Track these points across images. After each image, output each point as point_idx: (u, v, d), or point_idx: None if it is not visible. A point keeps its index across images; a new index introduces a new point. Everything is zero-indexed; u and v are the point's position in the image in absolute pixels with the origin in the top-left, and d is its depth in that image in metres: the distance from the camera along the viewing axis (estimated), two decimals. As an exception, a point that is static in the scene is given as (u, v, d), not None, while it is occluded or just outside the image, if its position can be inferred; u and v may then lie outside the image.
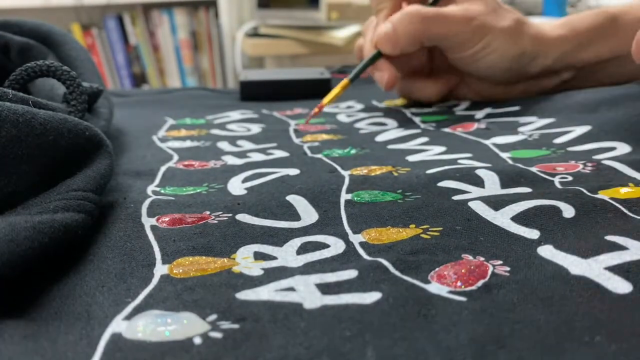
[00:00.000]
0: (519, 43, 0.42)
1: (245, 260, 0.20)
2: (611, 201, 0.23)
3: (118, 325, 0.16)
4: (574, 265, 0.18)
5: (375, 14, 0.45)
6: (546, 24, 0.44)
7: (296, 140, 0.37)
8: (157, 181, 0.29)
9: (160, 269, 0.19)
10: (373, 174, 0.29)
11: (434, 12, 0.40)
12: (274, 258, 0.20)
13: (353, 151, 0.33)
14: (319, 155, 0.33)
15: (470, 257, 0.19)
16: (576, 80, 0.46)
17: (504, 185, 0.26)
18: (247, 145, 0.36)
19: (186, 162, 0.32)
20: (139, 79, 1.72)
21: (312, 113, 0.40)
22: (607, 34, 0.43)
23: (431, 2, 0.43)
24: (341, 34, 1.06)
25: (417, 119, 0.41)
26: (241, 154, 0.34)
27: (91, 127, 0.24)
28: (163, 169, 0.31)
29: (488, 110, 0.42)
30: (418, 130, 0.38)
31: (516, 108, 0.41)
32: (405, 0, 0.44)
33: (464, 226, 0.22)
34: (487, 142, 0.34)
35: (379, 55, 0.42)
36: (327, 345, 0.15)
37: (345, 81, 0.41)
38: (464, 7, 0.41)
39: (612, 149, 0.30)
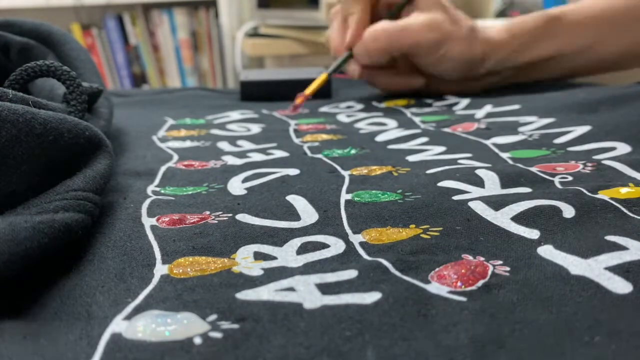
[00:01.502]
0: (472, 48, 0.47)
1: (245, 260, 0.20)
2: (611, 201, 0.23)
3: (118, 325, 0.16)
4: (574, 265, 0.18)
5: (344, 15, 0.49)
6: (492, 29, 0.49)
7: (296, 140, 0.37)
8: (157, 181, 0.29)
9: (160, 269, 0.19)
10: (373, 174, 0.29)
11: (399, 27, 0.45)
12: (274, 258, 0.20)
13: (353, 151, 0.33)
14: (319, 155, 0.33)
15: (470, 257, 0.19)
16: (516, 77, 0.51)
17: (504, 185, 0.26)
18: (247, 145, 0.36)
19: (186, 162, 0.32)
20: (139, 79, 1.72)
21: (295, 104, 0.45)
22: (547, 36, 0.48)
23: (394, 11, 0.49)
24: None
25: (417, 119, 0.41)
26: (241, 154, 0.34)
27: (91, 127, 0.24)
28: (163, 169, 0.31)
29: (488, 109, 0.42)
30: (418, 130, 0.38)
31: (516, 107, 0.41)
32: (374, 5, 0.49)
33: (464, 226, 0.22)
34: (487, 142, 0.34)
35: (350, 55, 0.48)
36: (327, 345, 0.15)
37: (324, 75, 0.48)
38: (427, 18, 0.45)
39: (612, 149, 0.30)
